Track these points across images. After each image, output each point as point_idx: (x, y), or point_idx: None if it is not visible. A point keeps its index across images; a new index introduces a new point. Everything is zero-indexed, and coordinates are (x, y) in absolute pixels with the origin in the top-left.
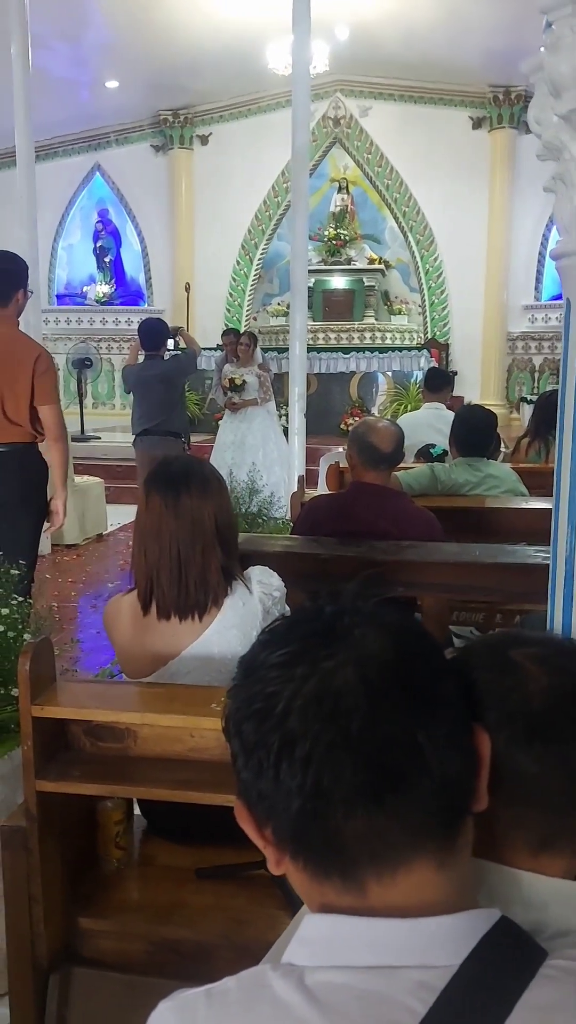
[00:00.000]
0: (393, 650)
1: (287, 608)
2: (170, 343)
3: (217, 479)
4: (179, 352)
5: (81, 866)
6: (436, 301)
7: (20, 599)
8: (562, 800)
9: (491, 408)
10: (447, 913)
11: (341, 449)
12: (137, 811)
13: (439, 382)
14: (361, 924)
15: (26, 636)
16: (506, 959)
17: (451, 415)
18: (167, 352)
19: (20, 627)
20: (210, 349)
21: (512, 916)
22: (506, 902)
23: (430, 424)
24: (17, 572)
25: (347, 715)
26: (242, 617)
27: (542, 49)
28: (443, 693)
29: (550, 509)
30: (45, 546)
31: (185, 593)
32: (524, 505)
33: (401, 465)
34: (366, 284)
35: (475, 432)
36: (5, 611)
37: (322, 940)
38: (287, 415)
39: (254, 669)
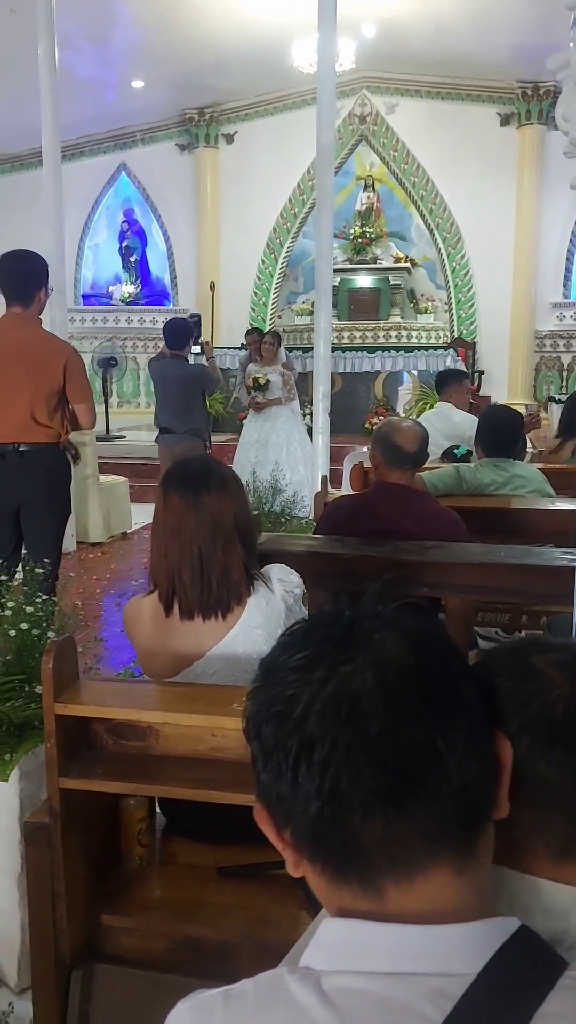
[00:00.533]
0: (412, 655)
1: (304, 609)
2: (195, 347)
3: (235, 478)
4: (204, 364)
5: (104, 863)
6: (463, 299)
7: (44, 597)
8: None
9: (518, 407)
10: (466, 920)
11: (366, 449)
12: (158, 810)
13: (444, 382)
14: (379, 929)
15: (50, 634)
16: (525, 968)
17: (457, 414)
18: (191, 355)
19: (44, 625)
20: (234, 348)
21: (532, 925)
22: (526, 910)
23: (430, 423)
24: (42, 571)
25: (365, 719)
26: (267, 616)
27: (571, 45)
28: (463, 698)
29: None
30: (70, 543)
31: (208, 592)
32: (551, 506)
33: (427, 466)
34: (392, 282)
35: (500, 432)
36: (30, 609)
37: (339, 944)
38: (311, 414)
39: (274, 671)
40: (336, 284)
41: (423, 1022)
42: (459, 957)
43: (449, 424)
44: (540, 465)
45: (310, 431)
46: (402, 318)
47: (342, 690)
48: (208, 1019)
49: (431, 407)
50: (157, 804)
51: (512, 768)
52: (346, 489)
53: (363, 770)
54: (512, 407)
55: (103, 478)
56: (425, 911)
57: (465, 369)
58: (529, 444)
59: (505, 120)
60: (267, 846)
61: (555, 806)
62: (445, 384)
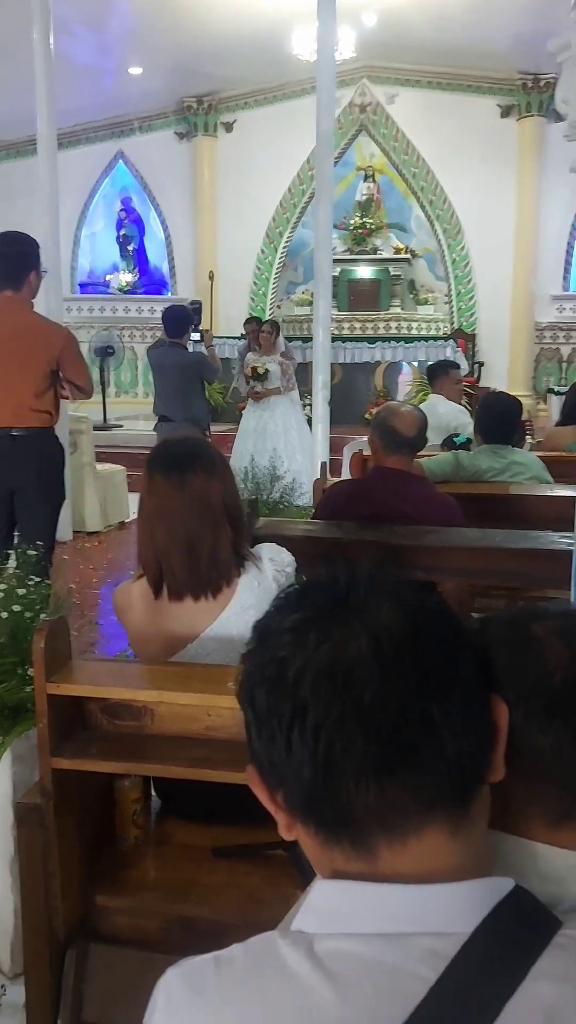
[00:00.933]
0: (408, 622)
1: None
2: (195, 335)
3: (221, 458)
4: (203, 352)
5: (99, 844)
6: (463, 291)
7: (38, 580)
8: None
9: (518, 397)
10: (460, 880)
11: (366, 438)
12: (153, 792)
13: (432, 374)
14: (371, 890)
15: (43, 617)
16: (519, 928)
17: (442, 405)
18: (191, 343)
19: (38, 608)
20: (234, 338)
21: (528, 889)
22: (522, 874)
23: None
24: (35, 552)
25: (359, 687)
26: (259, 597)
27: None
28: (459, 667)
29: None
30: (67, 532)
31: (196, 572)
32: (550, 492)
33: (425, 453)
34: (392, 273)
35: (499, 419)
36: (22, 591)
37: (331, 907)
38: (311, 404)
39: (267, 634)
40: (336, 275)
41: (417, 982)
42: (452, 916)
43: (433, 415)
44: (540, 453)
45: (310, 421)
46: (402, 309)
47: (336, 656)
48: (200, 987)
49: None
50: (152, 785)
51: (508, 737)
52: (346, 477)
53: (356, 738)
54: (511, 395)
55: (100, 467)
56: (418, 871)
57: (460, 361)
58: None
59: (505, 112)
60: (262, 826)
61: (551, 776)
62: (435, 376)
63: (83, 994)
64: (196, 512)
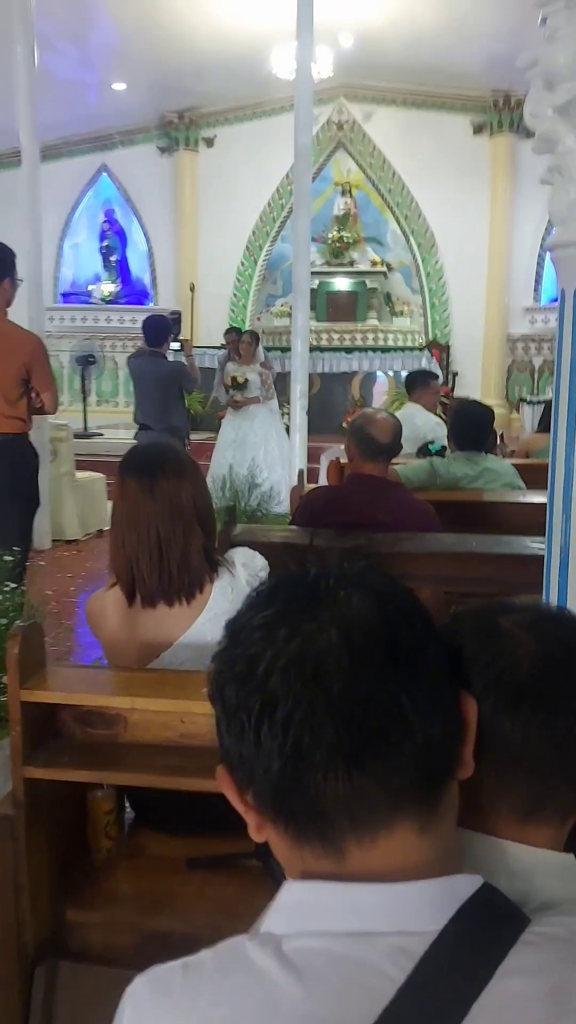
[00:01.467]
0: (378, 612)
1: None
2: (175, 344)
3: (192, 463)
4: (182, 361)
5: (70, 856)
6: (437, 303)
7: (13, 586)
8: (548, 768)
9: (491, 406)
10: (429, 878)
11: (342, 446)
12: (127, 802)
13: (411, 384)
14: (339, 889)
15: (17, 623)
16: (487, 925)
17: (420, 416)
18: (171, 352)
19: (12, 615)
20: (214, 348)
21: (496, 887)
22: (490, 872)
23: None
24: (11, 558)
25: (329, 676)
26: (232, 603)
27: (542, 42)
28: (428, 656)
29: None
30: (45, 540)
31: (168, 578)
32: (522, 499)
33: (399, 460)
34: (369, 286)
35: (472, 426)
36: None
37: (299, 906)
38: (289, 413)
39: (238, 632)
40: (314, 287)
41: (385, 981)
42: (420, 914)
43: (410, 427)
44: (514, 461)
45: (288, 430)
46: (378, 320)
47: (306, 648)
48: (166, 990)
49: (404, 407)
50: (125, 795)
51: (476, 731)
52: (323, 484)
53: (326, 727)
54: (484, 403)
55: (79, 474)
56: (387, 869)
57: (438, 371)
58: (500, 441)
59: (478, 129)
60: (237, 836)
61: (519, 767)
62: (413, 386)
63: (53, 1013)
64: (166, 516)
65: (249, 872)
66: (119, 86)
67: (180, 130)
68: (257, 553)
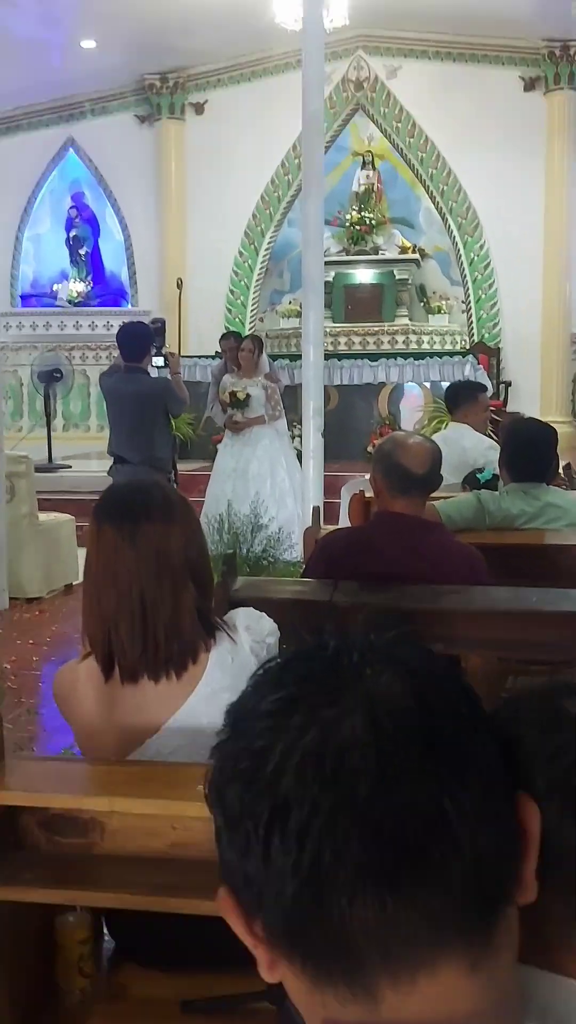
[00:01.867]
0: (412, 695)
1: None
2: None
3: (182, 502)
4: (168, 379)
5: (35, 999)
6: (483, 297)
7: None
8: None
9: (553, 425)
10: None
11: (367, 476)
12: (105, 930)
13: (454, 398)
14: None
15: None
16: None
17: (470, 438)
18: (152, 367)
19: None
20: (207, 357)
21: None
22: (560, 1021)
23: None
24: None
25: (354, 775)
26: (234, 676)
27: None
28: (477, 750)
29: None
30: (2, 600)
31: (154, 645)
32: None
33: (440, 494)
34: (397, 277)
35: (530, 450)
36: None
37: None
38: (301, 436)
39: (242, 719)
40: (329, 280)
41: None
42: None
43: (457, 451)
44: None
45: (300, 456)
46: (410, 319)
47: (325, 739)
48: None
49: (448, 427)
50: (104, 922)
51: (540, 839)
52: (344, 525)
53: (351, 840)
54: (543, 421)
55: (43, 517)
56: (430, 1018)
57: (486, 381)
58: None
59: (530, 85)
60: (243, 972)
61: None
62: (457, 401)
63: None
64: (151, 569)
65: (258, 1017)
66: (88, 44)
67: (163, 95)
68: (263, 614)
